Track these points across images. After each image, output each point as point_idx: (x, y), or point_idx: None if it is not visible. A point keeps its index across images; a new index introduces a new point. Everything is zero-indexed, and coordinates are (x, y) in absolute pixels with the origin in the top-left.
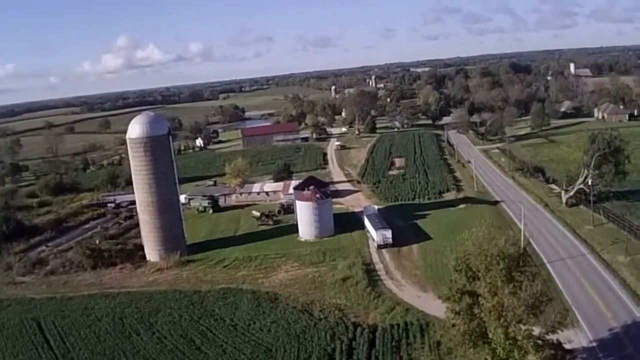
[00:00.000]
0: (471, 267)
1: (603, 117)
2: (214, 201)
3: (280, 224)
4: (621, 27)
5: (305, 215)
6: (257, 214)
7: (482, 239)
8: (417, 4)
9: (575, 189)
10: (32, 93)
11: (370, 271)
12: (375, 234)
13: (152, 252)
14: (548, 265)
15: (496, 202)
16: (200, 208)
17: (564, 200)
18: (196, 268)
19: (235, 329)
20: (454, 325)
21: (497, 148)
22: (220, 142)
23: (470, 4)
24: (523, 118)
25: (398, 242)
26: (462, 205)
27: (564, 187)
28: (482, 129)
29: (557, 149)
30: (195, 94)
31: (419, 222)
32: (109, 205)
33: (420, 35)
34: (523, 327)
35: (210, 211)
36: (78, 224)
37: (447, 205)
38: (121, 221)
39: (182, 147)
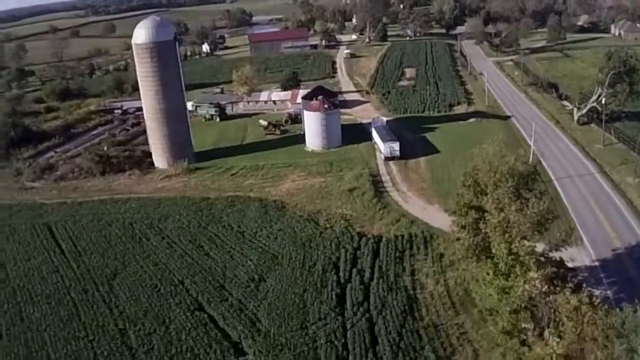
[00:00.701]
0: (479, 183)
1: (619, 34)
2: (221, 109)
3: (287, 134)
4: None
5: (312, 125)
6: (265, 123)
7: (493, 155)
8: None
9: (588, 106)
10: None
11: (376, 183)
12: (383, 146)
13: (159, 159)
14: (555, 183)
15: (507, 117)
16: (208, 116)
17: (575, 117)
18: (204, 176)
19: (242, 236)
20: (458, 239)
21: (511, 60)
22: (227, 48)
23: None
24: (539, 30)
25: (406, 154)
26: (472, 119)
27: (577, 105)
28: (496, 40)
29: (571, 64)
30: None
31: (428, 135)
32: (116, 111)
33: None
34: (527, 244)
35: (218, 119)
36: (85, 130)
37: (457, 119)
38: (128, 128)
39: (189, 53)
